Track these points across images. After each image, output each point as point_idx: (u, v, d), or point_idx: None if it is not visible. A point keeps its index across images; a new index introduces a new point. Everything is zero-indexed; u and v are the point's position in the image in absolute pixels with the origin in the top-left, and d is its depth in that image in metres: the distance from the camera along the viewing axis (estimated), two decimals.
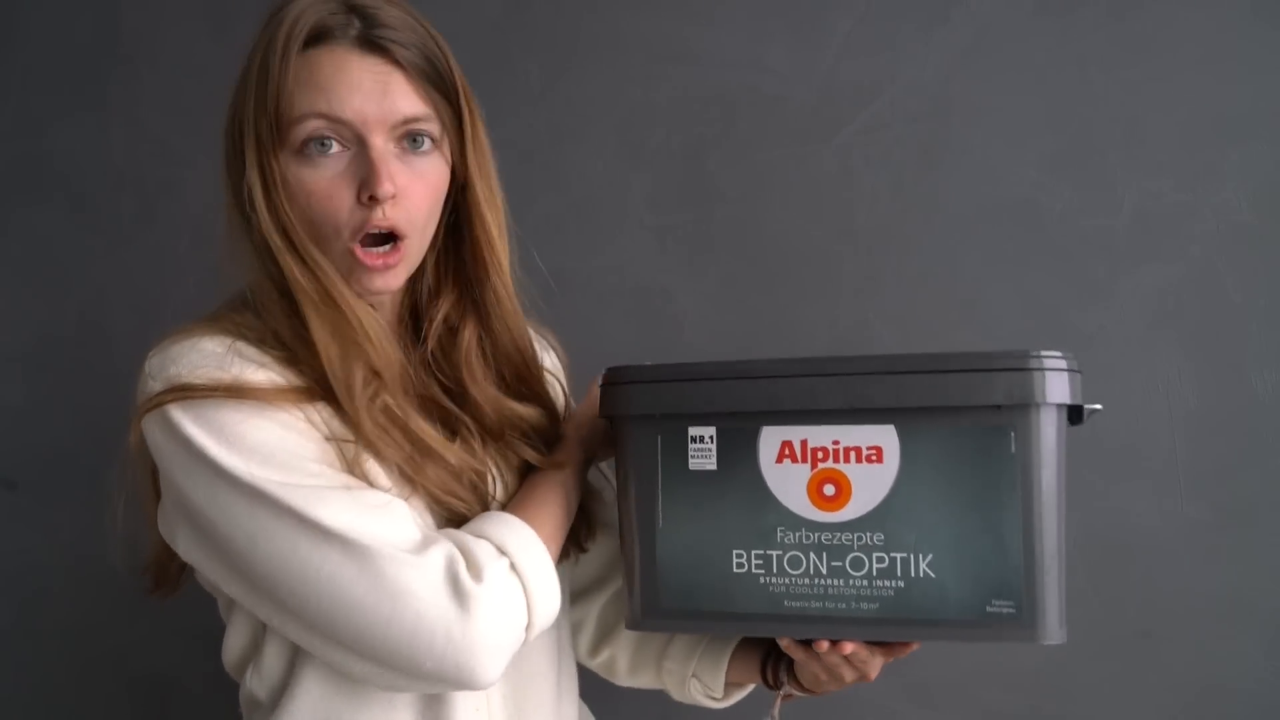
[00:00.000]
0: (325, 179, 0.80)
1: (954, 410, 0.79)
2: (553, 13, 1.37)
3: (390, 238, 0.83)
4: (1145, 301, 1.31)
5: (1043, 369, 0.78)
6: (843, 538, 0.82)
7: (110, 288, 1.43)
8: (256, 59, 0.81)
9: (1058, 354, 0.78)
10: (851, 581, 0.82)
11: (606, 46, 1.37)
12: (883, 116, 1.34)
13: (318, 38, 0.80)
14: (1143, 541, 1.30)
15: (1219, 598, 1.29)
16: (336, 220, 0.80)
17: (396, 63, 0.81)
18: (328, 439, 0.80)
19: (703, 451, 0.85)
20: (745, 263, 1.37)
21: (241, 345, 0.82)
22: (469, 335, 0.91)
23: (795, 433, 0.83)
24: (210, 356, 0.79)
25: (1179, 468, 1.30)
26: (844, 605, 0.82)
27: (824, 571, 0.82)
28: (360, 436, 0.81)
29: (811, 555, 0.83)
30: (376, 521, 0.75)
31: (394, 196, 0.80)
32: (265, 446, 0.76)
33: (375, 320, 0.84)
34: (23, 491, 1.46)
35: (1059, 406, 0.80)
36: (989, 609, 0.80)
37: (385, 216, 0.80)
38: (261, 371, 0.80)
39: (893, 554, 0.81)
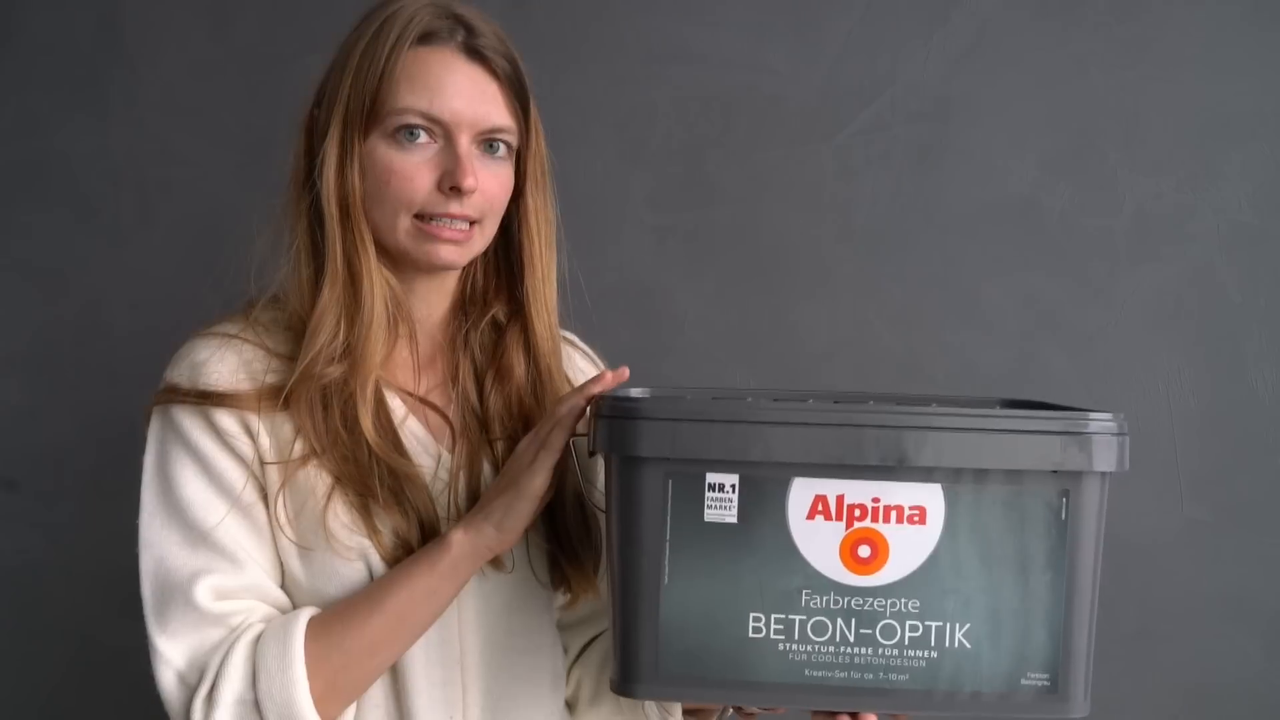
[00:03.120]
0: (411, 163, 0.86)
1: (1007, 473, 0.74)
2: (553, 13, 1.37)
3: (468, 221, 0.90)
4: (1145, 301, 1.31)
5: (1100, 435, 0.74)
6: (875, 604, 0.75)
7: (110, 288, 1.43)
8: (359, 47, 0.87)
9: (1110, 418, 0.74)
10: (881, 651, 0.76)
11: (606, 46, 1.37)
12: (883, 116, 1.34)
13: (426, 38, 0.87)
14: (1143, 541, 1.30)
15: (1219, 598, 1.29)
16: (411, 199, 0.86)
17: (494, 74, 0.88)
18: (265, 462, 0.86)
19: (722, 502, 0.75)
20: (745, 263, 1.37)
21: (239, 344, 0.88)
22: (512, 335, 0.96)
23: (831, 487, 0.74)
24: (191, 364, 0.87)
25: (1179, 468, 1.30)
26: (871, 676, 0.76)
27: (851, 639, 0.76)
28: (292, 404, 0.86)
29: (839, 621, 0.75)
30: (185, 647, 0.83)
31: (474, 191, 0.87)
32: (183, 502, 0.85)
33: (384, 311, 0.89)
34: (23, 491, 1.46)
35: (1109, 472, 0.76)
36: (1024, 681, 0.75)
37: (463, 208, 0.87)
38: (238, 373, 0.87)
39: (928, 622, 0.75)
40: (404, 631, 0.84)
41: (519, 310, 0.96)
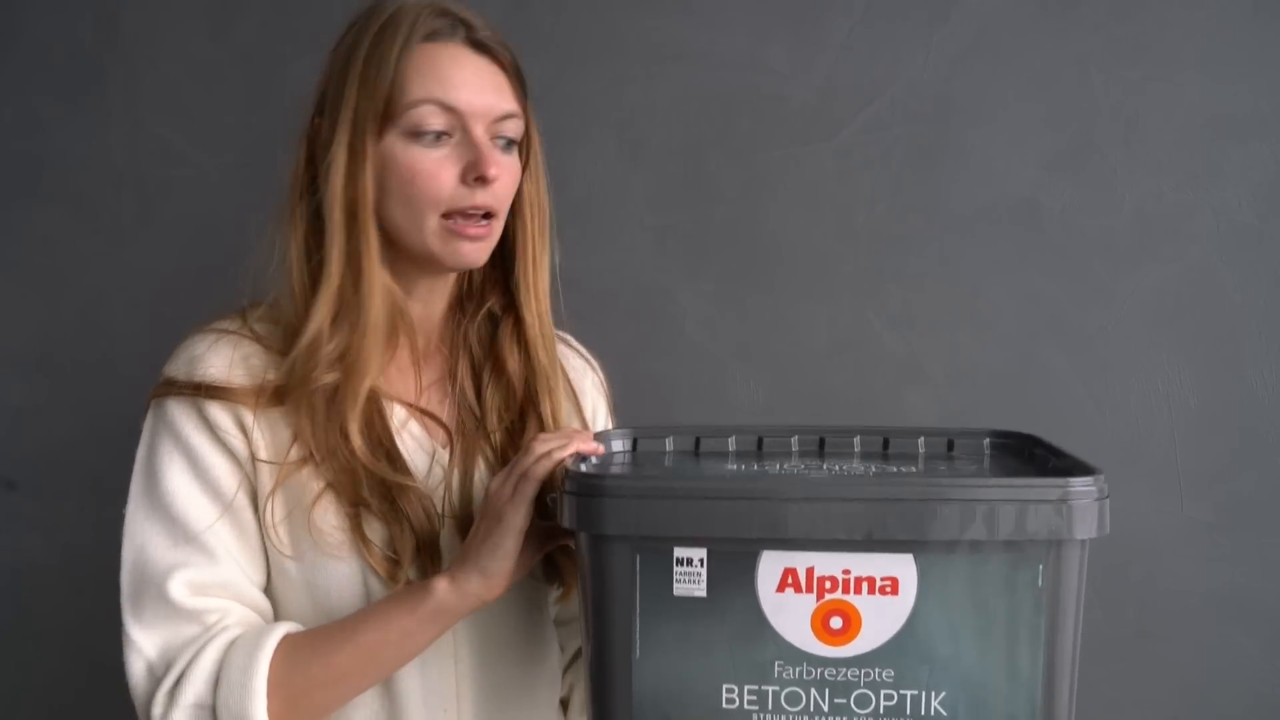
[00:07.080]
0: (432, 159, 0.86)
1: (979, 542, 0.72)
2: (553, 13, 1.37)
3: (486, 215, 0.90)
4: (1145, 301, 1.31)
5: (1079, 501, 0.72)
6: (849, 674, 0.75)
7: (110, 288, 1.43)
8: (360, 51, 0.87)
9: (1090, 482, 0.73)
10: None
11: (606, 46, 1.37)
12: (883, 116, 1.34)
13: (431, 36, 0.87)
14: (1143, 541, 1.30)
15: (1219, 598, 1.29)
16: (438, 196, 0.86)
17: (500, 64, 0.90)
18: (258, 460, 0.86)
19: (690, 576, 0.75)
20: (745, 263, 1.37)
21: (237, 339, 0.88)
22: (506, 327, 0.97)
23: (800, 559, 0.74)
24: (189, 358, 0.88)
25: (1179, 468, 1.30)
26: None
27: (825, 709, 0.75)
28: (288, 406, 0.87)
29: (813, 691, 0.75)
30: (158, 639, 0.84)
31: (498, 179, 0.88)
32: (167, 496, 0.85)
33: (384, 318, 0.89)
34: (23, 491, 1.46)
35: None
36: None
37: (486, 198, 0.88)
38: (235, 367, 0.87)
39: (903, 691, 0.75)
40: (372, 668, 0.83)
41: (511, 302, 0.97)
